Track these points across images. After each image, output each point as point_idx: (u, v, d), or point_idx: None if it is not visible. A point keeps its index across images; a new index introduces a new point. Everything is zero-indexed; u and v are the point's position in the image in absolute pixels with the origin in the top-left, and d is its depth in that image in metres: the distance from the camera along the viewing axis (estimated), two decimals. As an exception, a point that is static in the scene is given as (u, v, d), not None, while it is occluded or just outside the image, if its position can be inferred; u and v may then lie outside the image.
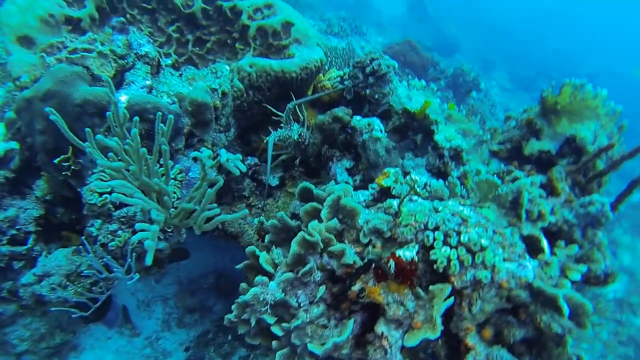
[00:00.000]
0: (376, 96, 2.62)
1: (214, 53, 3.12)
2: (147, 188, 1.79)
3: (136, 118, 1.66)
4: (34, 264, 2.44)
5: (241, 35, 3.01)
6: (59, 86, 2.01)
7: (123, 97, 2.19)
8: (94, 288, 2.35)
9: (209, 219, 1.85)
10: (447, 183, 2.31)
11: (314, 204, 1.99)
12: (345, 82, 2.74)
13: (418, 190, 2.10)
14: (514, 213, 2.04)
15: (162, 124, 1.67)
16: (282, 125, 2.61)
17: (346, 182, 2.50)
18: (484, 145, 2.77)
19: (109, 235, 2.14)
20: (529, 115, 2.62)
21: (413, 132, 2.77)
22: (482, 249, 1.69)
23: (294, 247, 1.84)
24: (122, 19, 2.36)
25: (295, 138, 2.62)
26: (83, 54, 2.09)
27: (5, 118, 2.36)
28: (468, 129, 2.88)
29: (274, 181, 2.88)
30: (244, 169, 1.85)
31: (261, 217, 2.33)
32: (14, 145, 2.36)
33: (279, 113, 2.59)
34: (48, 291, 2.26)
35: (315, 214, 2.01)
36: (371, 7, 17.11)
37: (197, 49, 3.10)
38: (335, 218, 1.91)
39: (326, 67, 3.06)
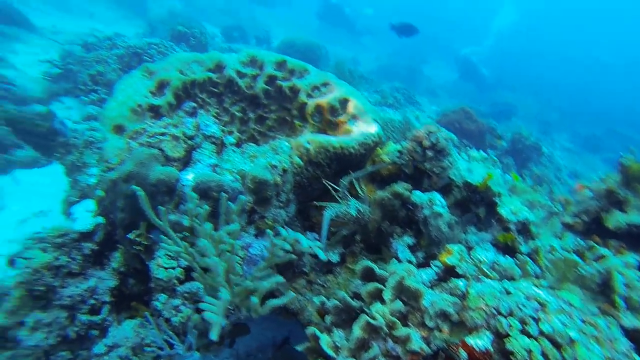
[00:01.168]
0: (436, 170, 2.57)
1: (274, 130, 3.29)
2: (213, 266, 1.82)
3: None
4: (105, 334, 2.52)
5: (300, 113, 3.16)
6: (138, 168, 2.19)
7: (190, 175, 2.32)
8: (156, 362, 2.35)
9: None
10: (516, 261, 2.14)
11: (377, 284, 1.91)
12: (404, 157, 2.73)
13: (485, 269, 1.96)
14: (605, 299, 1.81)
15: (230, 203, 1.73)
16: (340, 201, 2.62)
17: (409, 261, 2.40)
18: (554, 217, 2.57)
19: (173, 311, 2.16)
20: (608, 184, 2.43)
21: (475, 205, 2.66)
22: (572, 342, 1.49)
23: (357, 331, 1.75)
24: (193, 103, 2.58)
25: (354, 214, 2.60)
26: (159, 137, 2.28)
27: (96, 196, 2.59)
28: (535, 200, 2.72)
29: (334, 257, 2.82)
30: (324, 257, 1.87)
31: (321, 296, 2.26)
32: (100, 220, 2.56)
33: (337, 188, 2.62)
34: (116, 363, 2.29)
35: (377, 295, 1.92)
36: (422, 76, 17.63)
37: (258, 126, 3.29)
38: (399, 300, 1.80)
39: (383, 141, 3.10)
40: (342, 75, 8.49)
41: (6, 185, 5.21)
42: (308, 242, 1.87)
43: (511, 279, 2.02)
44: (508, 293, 1.69)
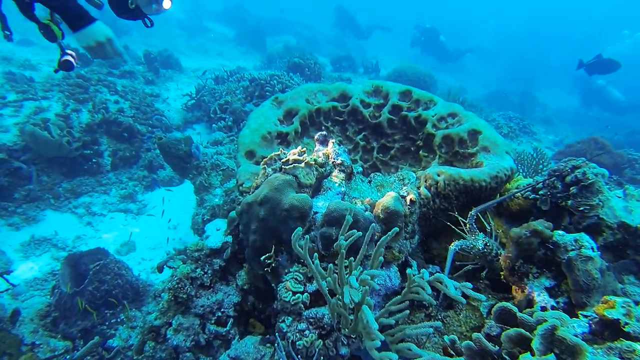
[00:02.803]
0: (582, 208, 2.29)
1: (397, 159, 3.28)
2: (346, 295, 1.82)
3: (358, 233, 1.76)
4: (228, 346, 2.67)
5: (425, 143, 3.11)
6: (273, 193, 2.32)
7: (321, 203, 2.40)
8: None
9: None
10: None
11: (521, 330, 1.72)
12: (540, 192, 2.49)
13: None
14: None
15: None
16: (466, 235, 2.48)
17: (553, 307, 2.13)
18: None
19: (297, 334, 2.21)
20: None
21: (635, 251, 2.30)
22: None
23: (501, 382, 1.59)
24: (324, 132, 2.69)
25: (481, 248, 2.43)
26: (294, 164, 2.41)
27: (228, 217, 2.82)
28: None
29: (456, 293, 2.65)
30: (482, 298, 1.78)
31: (451, 335, 2.12)
32: (229, 239, 2.77)
33: (464, 221, 2.48)
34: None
35: (520, 342, 1.73)
36: (536, 103, 16.31)
37: (381, 155, 3.31)
38: (553, 353, 1.59)
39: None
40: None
41: (152, 200, 6.02)
42: (453, 283, 1.78)
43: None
44: None
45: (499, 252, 2.48)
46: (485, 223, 2.64)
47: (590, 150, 6.68)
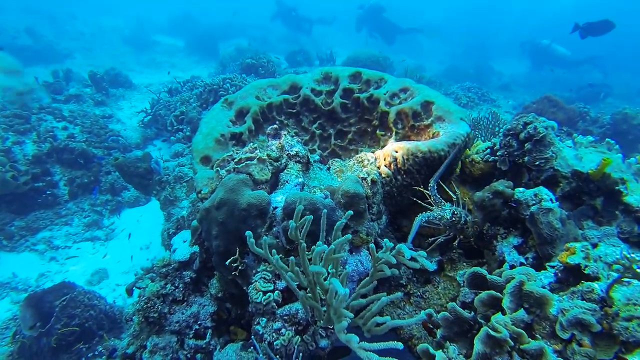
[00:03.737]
0: (537, 162, 2.30)
1: (356, 143, 3.23)
2: (314, 287, 1.76)
3: (309, 217, 1.70)
4: (210, 357, 2.57)
5: (381, 122, 3.07)
6: (229, 194, 2.23)
7: (279, 197, 2.32)
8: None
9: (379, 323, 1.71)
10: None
11: (491, 292, 1.71)
12: (498, 153, 2.49)
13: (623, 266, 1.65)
14: None
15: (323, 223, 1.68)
16: (433, 207, 2.46)
17: (522, 264, 2.14)
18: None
19: (274, 334, 2.13)
20: None
21: (590, 196, 2.33)
22: None
23: (478, 345, 1.57)
24: (274, 125, 2.61)
25: (449, 217, 2.42)
26: (247, 162, 2.32)
27: (191, 226, 2.71)
28: (675, 184, 2.31)
29: (432, 266, 2.64)
30: (431, 267, 1.73)
31: (429, 309, 2.09)
32: (196, 249, 2.66)
33: (428, 193, 2.45)
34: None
35: (492, 304, 1.72)
36: (492, 72, 16.68)
37: (339, 141, 3.25)
38: (522, 308, 1.58)
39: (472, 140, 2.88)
40: (412, 83, 8.33)
41: (120, 224, 5.80)
42: (411, 252, 1.73)
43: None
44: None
45: (467, 219, 2.47)
46: (450, 192, 2.63)
47: (545, 108, 6.85)
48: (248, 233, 1.77)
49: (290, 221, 1.75)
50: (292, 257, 1.72)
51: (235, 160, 2.42)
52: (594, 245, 2.17)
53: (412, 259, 1.78)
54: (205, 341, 2.58)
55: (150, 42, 17.04)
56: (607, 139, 2.53)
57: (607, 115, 7.40)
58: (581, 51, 15.19)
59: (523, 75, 17.04)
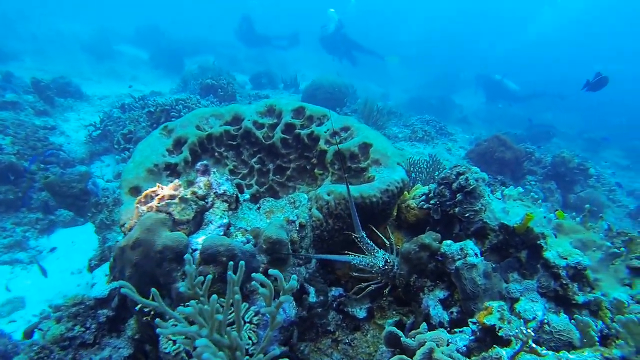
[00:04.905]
0: (467, 214, 2.31)
1: (294, 180, 3.16)
2: (219, 344, 1.63)
3: (209, 276, 1.58)
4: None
5: (319, 161, 3.02)
6: (145, 234, 2.09)
7: (201, 238, 2.20)
8: None
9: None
10: (574, 321, 1.80)
11: (402, 357, 1.64)
12: (431, 202, 2.49)
13: (533, 330, 1.64)
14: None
15: (231, 273, 1.57)
16: (366, 253, 2.41)
17: (440, 323, 2.10)
18: (617, 260, 2.21)
19: (184, 390, 1.97)
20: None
21: (515, 249, 2.36)
22: None
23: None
24: (205, 162, 2.50)
25: (381, 266, 2.37)
26: (167, 201, 2.19)
27: (109, 262, 2.52)
28: (588, 240, 2.37)
29: (361, 313, 2.57)
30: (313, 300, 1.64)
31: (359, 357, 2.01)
32: (116, 284, 2.47)
33: (359, 240, 2.40)
34: None
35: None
36: (454, 105, 17.27)
37: (278, 177, 3.17)
38: (431, 381, 1.52)
39: (410, 184, 2.88)
40: (371, 113, 8.43)
41: (49, 245, 5.38)
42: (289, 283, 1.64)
43: (569, 345, 1.69)
44: (568, 374, 1.37)
45: (398, 270, 2.43)
46: (384, 238, 2.59)
47: (495, 147, 7.10)
48: (153, 291, 1.64)
49: (209, 266, 1.64)
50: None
51: (158, 197, 2.28)
52: (515, 300, 2.18)
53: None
54: (112, 392, 2.37)
55: (113, 52, 16.45)
56: (531, 193, 2.58)
57: (549, 157, 7.79)
58: (528, 87, 16.24)
59: (483, 110, 17.78)
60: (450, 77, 21.78)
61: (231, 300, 1.67)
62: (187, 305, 1.58)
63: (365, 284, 2.51)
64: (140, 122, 6.17)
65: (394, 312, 2.56)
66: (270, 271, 1.54)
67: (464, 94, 20.19)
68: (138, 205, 2.26)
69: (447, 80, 21.11)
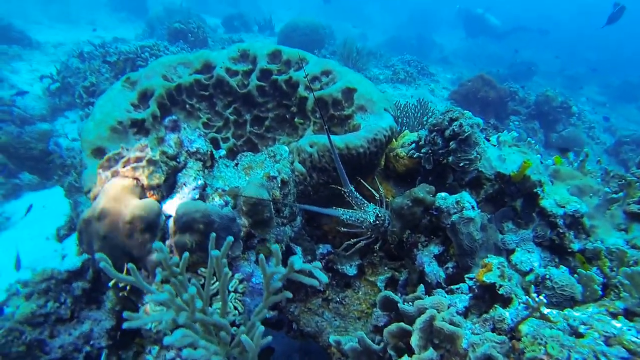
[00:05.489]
0: (461, 164, 2.15)
1: (273, 130, 2.92)
2: (202, 323, 1.50)
3: (185, 254, 1.41)
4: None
5: (299, 109, 2.78)
6: (111, 204, 1.87)
7: (174, 204, 1.99)
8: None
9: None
10: (577, 275, 1.72)
11: (401, 325, 1.54)
12: (423, 150, 2.32)
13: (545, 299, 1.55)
14: None
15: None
16: (355, 208, 2.26)
17: (437, 283, 2.01)
18: (614, 206, 2.12)
19: (167, 364, 1.87)
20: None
21: (511, 197, 2.25)
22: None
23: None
24: (173, 117, 2.23)
25: (372, 221, 2.23)
26: (133, 165, 1.95)
27: (76, 235, 2.31)
28: (585, 186, 2.28)
29: (351, 270, 2.48)
30: (325, 279, 1.51)
31: (336, 336, 1.92)
32: (87, 256, 2.29)
33: (350, 193, 2.24)
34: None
35: (402, 336, 1.56)
36: (434, 44, 16.76)
37: (256, 128, 2.93)
38: (431, 347, 1.43)
39: (397, 131, 2.68)
40: (350, 55, 8.00)
41: (17, 211, 5.08)
42: (304, 265, 1.50)
43: (571, 300, 1.62)
44: (577, 334, 1.29)
45: (390, 224, 2.30)
46: (372, 190, 2.44)
47: (479, 87, 6.90)
48: (130, 266, 1.46)
49: (186, 235, 1.46)
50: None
51: (123, 161, 2.04)
52: (511, 252, 2.10)
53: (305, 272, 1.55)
54: (97, 364, 2.26)
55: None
56: (528, 139, 2.43)
57: (533, 95, 7.65)
58: (510, 21, 15.75)
59: (463, 48, 17.31)
60: (430, 13, 20.94)
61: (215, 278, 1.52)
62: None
63: (355, 239, 2.39)
64: (102, 73, 5.66)
65: (386, 268, 2.47)
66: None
67: (443, 31, 19.55)
68: (101, 170, 2.02)
69: (426, 18, 20.32)
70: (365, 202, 2.30)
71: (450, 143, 2.17)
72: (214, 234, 1.48)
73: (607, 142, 9.13)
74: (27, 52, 8.12)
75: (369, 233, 2.35)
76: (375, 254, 2.45)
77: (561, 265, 1.84)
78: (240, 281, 1.95)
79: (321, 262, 2.48)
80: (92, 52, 7.12)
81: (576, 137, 7.24)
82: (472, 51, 16.63)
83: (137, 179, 1.95)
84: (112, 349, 2.37)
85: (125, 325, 1.34)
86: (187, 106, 2.90)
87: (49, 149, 4.18)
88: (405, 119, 3.92)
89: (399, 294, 2.31)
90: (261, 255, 1.55)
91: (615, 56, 18.56)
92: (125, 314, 1.35)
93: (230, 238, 1.42)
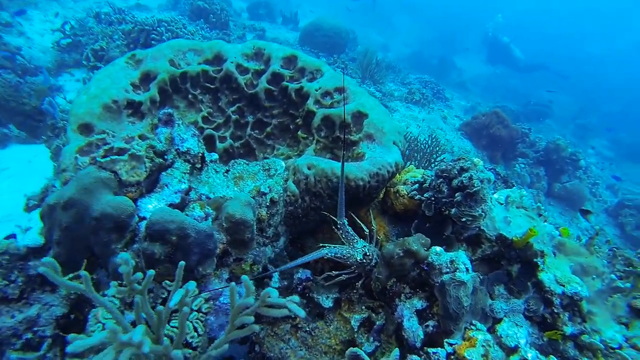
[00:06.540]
0: (464, 219, 2.01)
1: (274, 138, 2.77)
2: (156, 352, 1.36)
3: (151, 271, 1.26)
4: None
5: (305, 122, 2.63)
6: (81, 194, 1.72)
7: (152, 204, 1.85)
8: None
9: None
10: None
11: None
12: (426, 194, 2.17)
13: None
14: None
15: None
16: (344, 242, 2.12)
17: (413, 346, 1.87)
18: (617, 295, 1.99)
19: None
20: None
21: (508, 262, 2.11)
22: None
23: None
24: (169, 110, 2.07)
25: (359, 259, 2.09)
26: (113, 157, 1.79)
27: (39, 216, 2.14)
28: (590, 266, 2.14)
29: (327, 302, 2.34)
30: (302, 314, 1.37)
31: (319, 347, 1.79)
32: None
33: (338, 228, 2.10)
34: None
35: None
36: (453, 66, 16.62)
37: (257, 132, 2.78)
38: None
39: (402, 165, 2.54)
40: (369, 65, 7.85)
41: (3, 161, 4.90)
42: (279, 300, 1.36)
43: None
44: None
45: (376, 275, 2.16)
46: (364, 226, 2.29)
47: (492, 122, 6.76)
48: (83, 273, 1.31)
49: (156, 245, 1.31)
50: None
51: (106, 149, 1.88)
52: (498, 321, 1.96)
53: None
54: (38, 354, 2.09)
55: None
56: (538, 204, 2.29)
57: (543, 141, 7.53)
58: (533, 56, 15.64)
59: (482, 77, 17.19)
60: (458, 34, 20.74)
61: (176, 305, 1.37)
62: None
63: (336, 272, 2.25)
64: (114, 39, 5.47)
65: (364, 307, 2.32)
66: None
67: (465, 55, 19.37)
68: (78, 155, 1.86)
69: (452, 39, 20.13)
70: (356, 237, 2.16)
71: (456, 194, 2.03)
72: (182, 263, 1.33)
73: (608, 201, 9.04)
74: (44, 0, 7.89)
75: (353, 268, 2.21)
76: (355, 291, 2.30)
77: (551, 356, 1.71)
78: (207, 300, 1.80)
79: (297, 288, 2.34)
80: (109, 15, 6.92)
81: (579, 192, 7.13)
82: (491, 82, 16.52)
83: (115, 172, 1.79)
84: (59, 339, 2.21)
85: (69, 349, 1.19)
86: (190, 96, 2.75)
87: (42, 107, 4.00)
88: (413, 152, 3.76)
89: (372, 339, 2.18)
90: (232, 284, 1.41)
91: (631, 110, 18.46)
92: (70, 336, 1.20)
93: (182, 263, 1.27)
